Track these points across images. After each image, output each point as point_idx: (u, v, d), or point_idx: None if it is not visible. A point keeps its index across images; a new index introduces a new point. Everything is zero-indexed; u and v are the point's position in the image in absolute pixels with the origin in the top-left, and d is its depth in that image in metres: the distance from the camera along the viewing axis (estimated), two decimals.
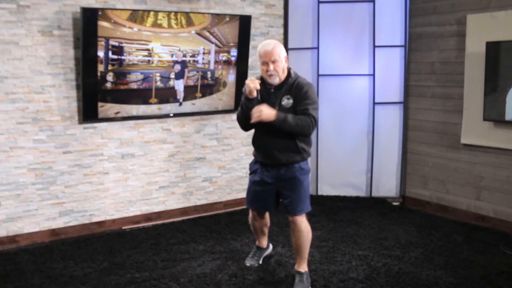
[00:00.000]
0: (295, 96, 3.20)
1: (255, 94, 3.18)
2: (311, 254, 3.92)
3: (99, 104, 4.30)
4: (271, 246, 3.97)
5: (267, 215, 3.69)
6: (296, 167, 3.30)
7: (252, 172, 3.48)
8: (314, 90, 3.28)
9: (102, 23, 4.13)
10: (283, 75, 3.22)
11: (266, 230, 3.79)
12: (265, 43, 3.22)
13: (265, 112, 3.11)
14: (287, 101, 3.22)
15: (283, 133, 3.21)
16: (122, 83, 4.40)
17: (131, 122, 4.64)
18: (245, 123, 3.34)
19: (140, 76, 4.47)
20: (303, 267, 3.44)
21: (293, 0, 5.37)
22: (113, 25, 4.20)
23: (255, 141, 3.42)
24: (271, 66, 3.16)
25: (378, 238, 4.32)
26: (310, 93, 3.22)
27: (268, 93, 3.25)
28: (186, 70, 4.71)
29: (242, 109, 3.29)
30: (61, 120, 4.31)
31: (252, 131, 3.44)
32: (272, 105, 3.22)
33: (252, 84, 3.15)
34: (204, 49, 4.76)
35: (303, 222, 3.36)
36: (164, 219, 4.87)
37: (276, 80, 3.20)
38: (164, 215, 4.90)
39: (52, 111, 4.26)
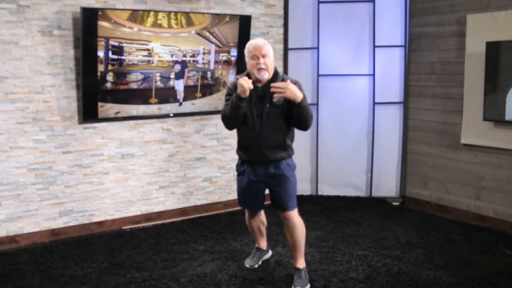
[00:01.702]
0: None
1: (248, 93, 3.14)
2: (311, 254, 3.92)
3: (99, 104, 4.30)
4: (270, 252, 3.95)
5: (262, 213, 3.69)
6: (283, 163, 3.32)
7: (240, 173, 3.47)
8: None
9: (102, 23, 4.13)
10: (271, 72, 3.24)
11: (263, 230, 3.78)
12: (254, 40, 3.28)
13: (293, 89, 3.05)
14: (278, 99, 3.20)
15: (270, 130, 3.23)
16: (122, 83, 4.40)
17: (131, 122, 4.64)
18: (232, 122, 3.30)
19: (140, 76, 4.47)
20: (301, 263, 3.44)
21: (293, 0, 5.37)
22: (113, 25, 4.20)
23: (242, 140, 3.39)
24: (261, 60, 3.17)
25: (378, 238, 4.32)
26: (302, 90, 3.24)
27: (257, 90, 3.23)
28: (186, 70, 4.71)
29: (232, 107, 3.20)
30: (61, 120, 4.31)
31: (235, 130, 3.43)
32: (262, 102, 3.22)
33: (246, 84, 3.11)
34: (204, 49, 4.76)
35: (296, 217, 3.37)
36: (164, 219, 4.87)
37: (265, 76, 3.20)
38: (164, 215, 4.90)
39: (52, 111, 4.26)
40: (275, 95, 3.12)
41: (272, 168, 3.32)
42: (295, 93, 3.08)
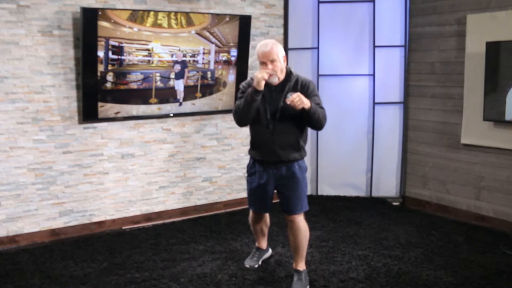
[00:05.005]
0: (302, 94, 3.19)
1: (263, 85, 3.12)
2: (311, 254, 3.92)
3: (99, 104, 4.30)
4: (270, 250, 3.96)
5: (267, 214, 3.70)
6: (295, 165, 3.31)
7: (251, 174, 3.45)
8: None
9: (102, 23, 4.13)
10: (282, 75, 3.23)
11: (266, 230, 3.79)
12: (262, 44, 3.22)
13: (303, 99, 3.06)
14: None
15: (284, 129, 3.23)
16: (122, 83, 4.40)
17: (131, 122, 4.64)
18: (245, 116, 3.26)
19: (140, 76, 4.47)
20: (301, 266, 3.44)
21: (293, 0, 5.38)
22: (113, 25, 4.20)
23: (255, 138, 3.37)
24: (270, 66, 3.17)
25: (378, 238, 4.32)
26: (316, 90, 3.29)
27: (270, 90, 3.24)
28: (186, 70, 4.71)
29: (247, 101, 3.18)
30: (61, 120, 4.31)
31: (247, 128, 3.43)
32: (276, 101, 3.23)
33: (260, 74, 3.10)
34: (204, 49, 4.76)
35: (301, 221, 3.36)
36: (164, 219, 4.87)
37: (275, 80, 3.20)
38: (164, 215, 4.90)
39: (52, 111, 4.26)
40: (289, 102, 3.07)
41: (284, 169, 3.31)
42: (304, 103, 3.06)
